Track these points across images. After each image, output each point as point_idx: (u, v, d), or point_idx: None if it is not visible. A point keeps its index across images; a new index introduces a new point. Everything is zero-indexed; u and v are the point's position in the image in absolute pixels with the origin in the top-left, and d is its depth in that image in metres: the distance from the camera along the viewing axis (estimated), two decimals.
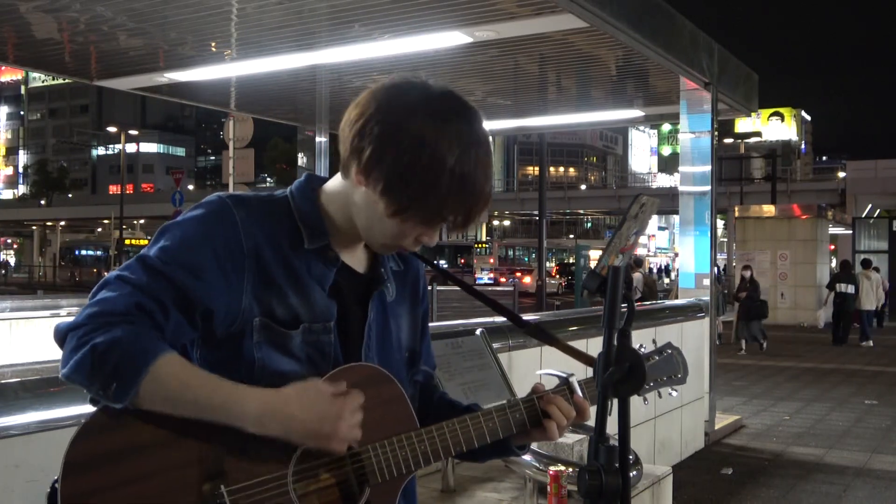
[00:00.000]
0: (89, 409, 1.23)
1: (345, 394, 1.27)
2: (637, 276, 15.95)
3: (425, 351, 1.58)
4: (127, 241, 34.13)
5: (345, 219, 1.40)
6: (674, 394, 1.68)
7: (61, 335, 1.23)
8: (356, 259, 1.45)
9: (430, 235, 1.37)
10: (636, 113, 9.64)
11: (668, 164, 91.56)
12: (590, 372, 1.56)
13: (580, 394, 1.53)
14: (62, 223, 54.60)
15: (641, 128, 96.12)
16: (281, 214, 1.38)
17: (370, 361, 1.42)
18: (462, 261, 42.43)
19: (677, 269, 10.31)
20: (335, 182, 1.42)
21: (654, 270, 51.92)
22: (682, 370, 1.69)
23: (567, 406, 1.50)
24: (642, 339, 1.64)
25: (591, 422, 1.35)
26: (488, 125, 1.37)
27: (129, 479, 1.20)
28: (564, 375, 1.55)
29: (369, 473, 1.32)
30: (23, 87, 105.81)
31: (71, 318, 1.24)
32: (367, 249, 1.47)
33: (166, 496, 1.21)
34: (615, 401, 1.34)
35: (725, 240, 41.97)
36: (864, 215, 33.61)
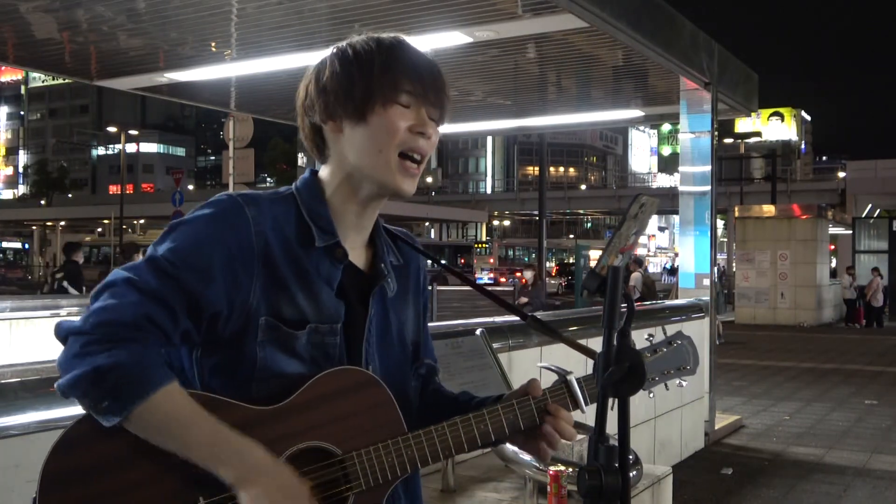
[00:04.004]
0: None
1: None
2: (636, 275, 15.92)
3: (425, 342, 1.57)
4: None
5: (348, 200, 1.40)
6: (683, 384, 1.61)
7: (62, 335, 1.20)
8: (357, 256, 1.44)
9: (418, 120, 1.37)
10: (636, 113, 9.64)
11: (668, 164, 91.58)
12: (590, 365, 1.54)
13: (579, 394, 1.48)
14: (62, 223, 54.58)
15: (641, 128, 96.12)
16: (289, 212, 1.37)
17: (370, 358, 1.40)
18: (462, 260, 42.40)
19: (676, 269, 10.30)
20: (324, 171, 1.44)
21: (668, 268, 51.80)
22: (692, 361, 1.63)
23: (570, 430, 1.45)
24: (644, 338, 1.60)
25: (591, 421, 1.35)
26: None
27: (108, 492, 1.18)
28: (563, 373, 1.51)
29: (354, 480, 1.30)
30: (23, 87, 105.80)
31: (74, 319, 1.22)
32: (369, 246, 1.47)
33: None
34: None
35: (725, 240, 42.05)
36: (864, 215, 33.62)
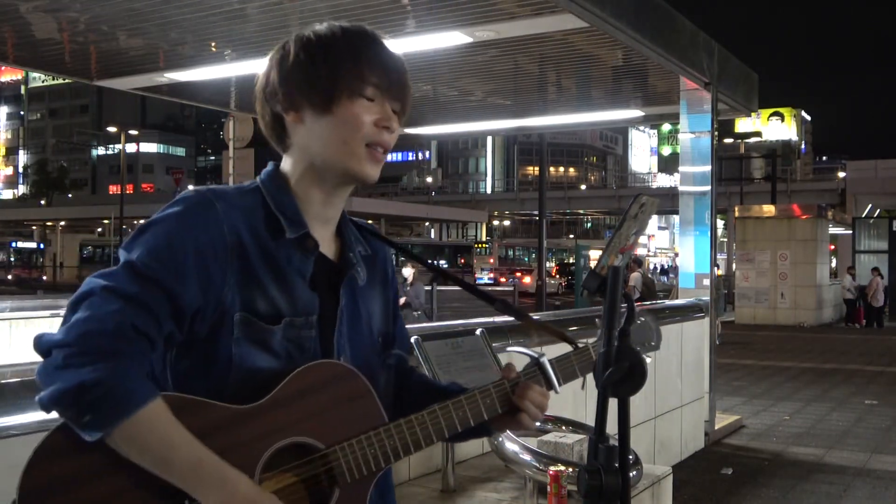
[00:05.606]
0: None
1: None
2: (636, 275, 15.91)
3: (399, 334, 1.56)
4: None
5: (312, 189, 1.39)
6: (648, 360, 1.65)
7: (44, 348, 1.17)
8: (326, 247, 1.43)
9: (384, 115, 1.37)
10: (636, 113, 9.64)
11: (668, 164, 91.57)
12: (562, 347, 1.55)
13: (552, 374, 1.50)
14: (62, 223, 54.60)
15: (641, 128, 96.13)
16: (256, 205, 1.35)
17: (342, 349, 1.39)
18: (462, 260, 42.40)
19: (676, 268, 10.31)
20: (285, 163, 1.43)
21: (659, 268, 51.89)
22: (655, 337, 1.66)
23: (539, 397, 1.47)
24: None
25: (591, 421, 1.35)
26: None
27: (90, 501, 1.16)
28: (535, 355, 1.52)
29: (338, 474, 1.29)
30: (23, 87, 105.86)
31: (54, 332, 1.18)
32: (336, 237, 1.46)
33: None
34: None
35: (725, 240, 42.04)
36: (864, 215, 33.63)
